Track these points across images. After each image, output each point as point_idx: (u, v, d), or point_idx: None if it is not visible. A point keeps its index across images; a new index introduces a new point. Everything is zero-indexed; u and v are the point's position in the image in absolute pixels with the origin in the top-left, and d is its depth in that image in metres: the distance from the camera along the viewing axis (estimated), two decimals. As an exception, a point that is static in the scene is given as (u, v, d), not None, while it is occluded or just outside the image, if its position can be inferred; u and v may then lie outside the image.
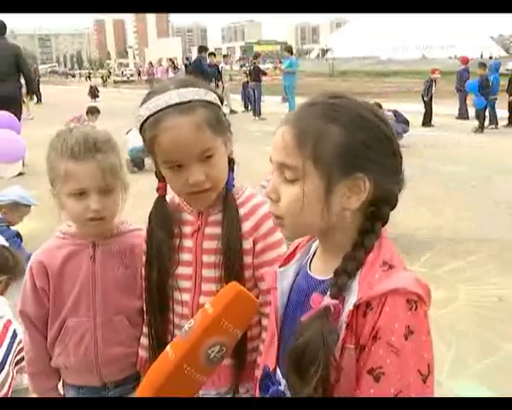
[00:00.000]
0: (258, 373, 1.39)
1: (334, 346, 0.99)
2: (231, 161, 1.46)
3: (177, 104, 1.31)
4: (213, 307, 1.05)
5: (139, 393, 1.10)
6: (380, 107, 10.44)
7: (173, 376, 1.02)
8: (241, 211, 1.44)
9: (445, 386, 2.89)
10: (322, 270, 1.13)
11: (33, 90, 8.61)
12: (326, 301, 1.01)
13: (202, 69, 14.19)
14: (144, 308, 1.57)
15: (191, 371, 1.02)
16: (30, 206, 4.61)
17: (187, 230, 1.47)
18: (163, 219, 1.47)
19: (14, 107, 7.65)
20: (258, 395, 1.32)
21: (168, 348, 1.08)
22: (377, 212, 1.07)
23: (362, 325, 0.99)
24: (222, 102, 1.44)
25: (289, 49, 16.53)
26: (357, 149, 1.02)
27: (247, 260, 1.42)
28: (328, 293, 1.03)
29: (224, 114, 1.44)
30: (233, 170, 1.46)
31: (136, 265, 1.60)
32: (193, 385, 1.07)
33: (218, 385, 1.47)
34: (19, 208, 4.57)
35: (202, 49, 16.03)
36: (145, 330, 1.59)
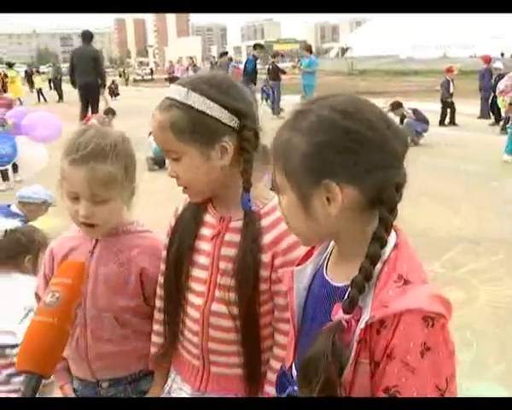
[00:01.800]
0: (267, 388, 1.40)
1: (338, 362, 0.97)
2: (246, 182, 1.37)
3: (167, 98, 1.35)
4: (69, 278, 1.24)
5: (21, 365, 1.13)
6: (400, 105, 10.42)
7: (60, 338, 1.19)
8: (264, 222, 1.39)
9: (465, 387, 2.87)
10: (337, 275, 1.11)
11: (105, 84, 11.67)
12: (339, 316, 1.01)
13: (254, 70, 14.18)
14: (158, 305, 1.58)
15: (69, 328, 1.22)
16: (49, 206, 4.66)
17: (207, 232, 1.45)
18: (195, 209, 1.47)
19: (94, 92, 10.93)
20: (273, 395, 1.32)
21: (41, 318, 1.17)
22: (379, 216, 1.02)
23: (376, 342, 0.97)
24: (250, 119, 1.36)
25: (308, 48, 16.39)
26: (319, 155, 1.00)
27: (265, 273, 1.38)
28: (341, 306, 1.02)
29: (226, 125, 1.34)
30: (248, 191, 1.37)
31: (133, 265, 1.59)
32: (67, 338, 1.25)
33: (226, 391, 1.46)
34: (42, 207, 4.62)
35: (260, 47, 15.67)
36: (157, 327, 1.60)
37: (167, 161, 1.41)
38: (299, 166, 1.02)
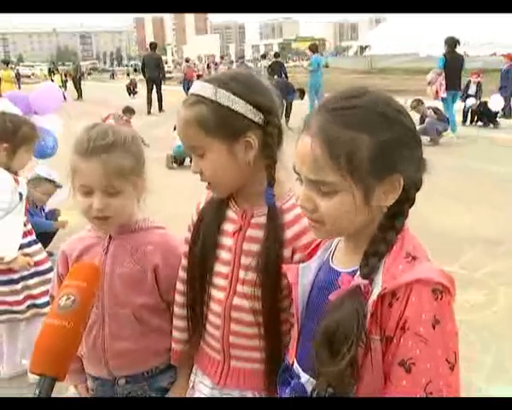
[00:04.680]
0: None
1: (366, 323, 1.00)
2: (270, 177, 1.37)
3: (192, 94, 1.35)
4: (85, 281, 1.22)
5: (35, 368, 1.10)
6: (421, 103, 10.38)
7: (73, 341, 1.17)
8: (285, 217, 1.40)
9: (484, 389, 2.85)
10: (344, 261, 1.14)
11: (165, 78, 17.94)
12: (357, 281, 1.03)
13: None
14: (179, 300, 1.59)
15: (82, 331, 1.21)
16: (53, 183, 4.54)
17: (229, 227, 1.45)
18: (218, 204, 1.47)
19: (158, 83, 16.60)
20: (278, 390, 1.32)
21: (56, 321, 1.14)
22: (405, 195, 1.08)
23: (387, 316, 1.00)
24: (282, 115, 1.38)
25: (311, 47, 15.80)
26: (386, 152, 1.03)
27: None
28: (358, 273, 1.05)
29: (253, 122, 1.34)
30: (272, 186, 1.37)
31: (147, 262, 1.61)
32: (81, 339, 1.24)
33: (245, 387, 1.47)
34: (41, 183, 4.52)
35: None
36: (178, 323, 1.61)
37: (187, 160, 1.41)
38: (366, 164, 1.02)
